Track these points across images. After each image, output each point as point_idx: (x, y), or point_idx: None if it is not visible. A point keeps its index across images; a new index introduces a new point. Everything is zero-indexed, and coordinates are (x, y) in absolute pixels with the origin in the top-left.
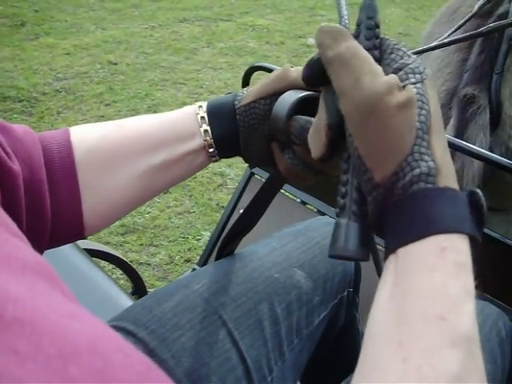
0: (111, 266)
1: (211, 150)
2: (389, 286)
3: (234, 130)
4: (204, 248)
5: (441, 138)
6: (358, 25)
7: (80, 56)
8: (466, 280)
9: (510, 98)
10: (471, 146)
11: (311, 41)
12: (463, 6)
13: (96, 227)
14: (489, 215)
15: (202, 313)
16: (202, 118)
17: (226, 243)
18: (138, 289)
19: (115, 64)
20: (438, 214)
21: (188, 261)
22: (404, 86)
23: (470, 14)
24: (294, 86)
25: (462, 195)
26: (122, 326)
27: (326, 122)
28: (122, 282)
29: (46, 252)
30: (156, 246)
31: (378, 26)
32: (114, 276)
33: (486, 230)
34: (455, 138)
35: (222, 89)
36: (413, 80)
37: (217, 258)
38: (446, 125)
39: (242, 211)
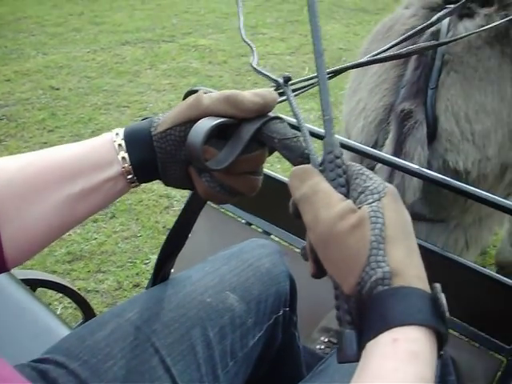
0: (59, 295)
1: (130, 176)
2: (355, 376)
3: (152, 156)
4: (152, 272)
5: (402, 244)
6: (323, 161)
7: (21, 82)
8: (419, 367)
9: (445, 113)
10: (408, 163)
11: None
12: (397, 24)
13: (19, 259)
14: (430, 227)
15: (134, 341)
16: (120, 145)
17: (158, 268)
18: (88, 317)
19: (57, 89)
20: (390, 310)
21: (137, 285)
22: (360, 207)
23: (405, 35)
24: (206, 114)
25: (417, 291)
26: (54, 358)
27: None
28: (70, 310)
29: None
30: (104, 273)
31: (338, 157)
32: (61, 305)
33: (425, 244)
34: (394, 152)
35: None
36: (370, 200)
37: (153, 284)
38: (384, 139)
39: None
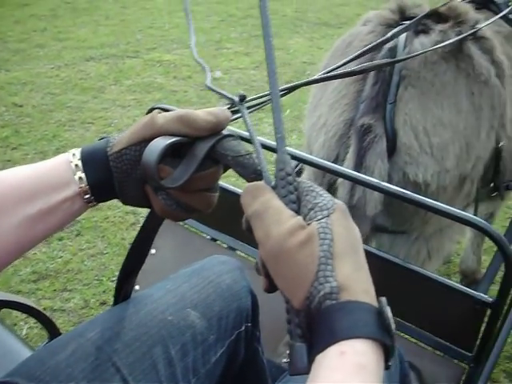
0: (24, 315)
1: (87, 196)
2: None
3: (109, 176)
4: None
5: (350, 260)
6: (275, 177)
7: None
8: (366, 378)
9: (404, 127)
10: (368, 178)
11: (218, 74)
12: (356, 40)
13: None
14: (392, 238)
15: (95, 361)
16: (76, 165)
17: (119, 286)
18: (54, 337)
19: (20, 106)
20: (338, 324)
21: (104, 303)
22: (310, 223)
23: (363, 49)
24: (161, 133)
25: (364, 305)
26: (14, 381)
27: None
28: (36, 330)
29: None
30: (70, 291)
31: (289, 174)
32: (27, 325)
33: (387, 256)
34: (355, 166)
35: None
36: (319, 216)
37: (114, 303)
38: (346, 154)
39: (153, 251)
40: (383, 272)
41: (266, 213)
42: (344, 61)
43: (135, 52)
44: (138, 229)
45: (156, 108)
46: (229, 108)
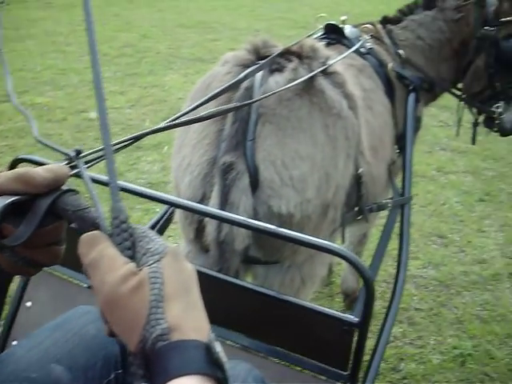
0: None
1: None
2: None
3: None
4: None
5: (180, 301)
6: (111, 225)
7: None
8: None
9: (264, 162)
10: (233, 216)
11: (93, 115)
12: (214, 81)
13: None
14: (266, 269)
15: None
16: None
17: None
18: None
19: None
20: (170, 363)
21: None
22: (141, 269)
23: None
24: (1, 193)
25: (193, 343)
26: None
27: None
28: None
29: None
30: None
31: (124, 222)
32: None
33: (260, 289)
34: (220, 203)
35: None
36: (151, 261)
37: None
38: (211, 192)
39: (29, 304)
40: (259, 304)
41: (101, 261)
42: (193, 105)
43: (5, 96)
44: (16, 281)
45: (20, 159)
46: (67, 163)
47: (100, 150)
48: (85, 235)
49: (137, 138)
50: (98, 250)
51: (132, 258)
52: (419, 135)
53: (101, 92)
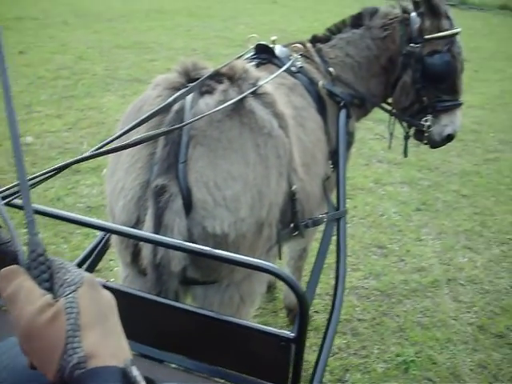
0: None
1: None
2: None
3: None
4: None
5: (97, 328)
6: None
7: None
8: None
9: (196, 183)
10: (168, 239)
11: (29, 139)
12: (145, 105)
13: None
14: (205, 289)
15: None
16: None
17: None
18: None
19: None
20: None
21: None
22: (58, 300)
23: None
24: None
25: (110, 369)
26: None
27: None
28: None
29: None
30: None
31: (41, 255)
32: None
33: (199, 310)
34: (154, 226)
35: None
36: (67, 292)
37: None
38: (145, 215)
39: None
40: (198, 325)
41: (18, 294)
42: (123, 130)
43: None
44: None
45: None
46: None
47: (15, 186)
48: (3, 270)
49: (59, 169)
50: (16, 283)
51: (50, 289)
52: (355, 149)
53: (14, 123)
